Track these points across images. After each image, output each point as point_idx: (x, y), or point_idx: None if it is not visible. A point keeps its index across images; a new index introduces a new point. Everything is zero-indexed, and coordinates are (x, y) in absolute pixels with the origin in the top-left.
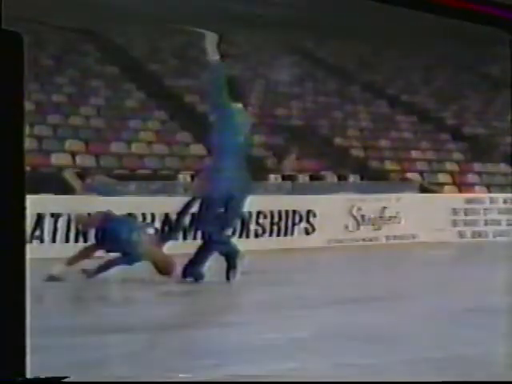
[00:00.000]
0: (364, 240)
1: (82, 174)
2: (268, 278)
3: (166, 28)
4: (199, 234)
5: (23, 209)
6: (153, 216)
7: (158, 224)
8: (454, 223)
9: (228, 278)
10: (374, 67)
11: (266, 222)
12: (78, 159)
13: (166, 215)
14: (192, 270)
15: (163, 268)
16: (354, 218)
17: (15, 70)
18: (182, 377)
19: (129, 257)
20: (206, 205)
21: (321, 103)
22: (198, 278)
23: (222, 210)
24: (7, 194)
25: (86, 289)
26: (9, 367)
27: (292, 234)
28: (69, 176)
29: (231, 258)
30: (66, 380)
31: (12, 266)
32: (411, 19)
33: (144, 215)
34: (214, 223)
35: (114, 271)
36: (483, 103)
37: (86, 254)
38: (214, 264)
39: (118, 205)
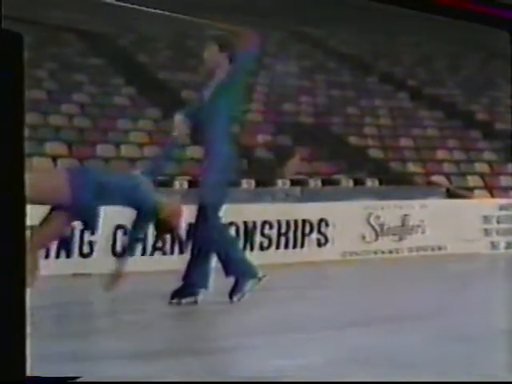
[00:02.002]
0: (383, 252)
1: None
2: (276, 295)
3: (159, 14)
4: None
5: (23, 211)
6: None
7: (150, 238)
8: (486, 233)
9: (231, 298)
10: (394, 56)
11: (273, 233)
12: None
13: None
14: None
15: (170, 222)
16: (372, 227)
17: (15, 70)
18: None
19: (142, 214)
20: (206, 210)
21: (333, 97)
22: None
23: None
24: (6, 195)
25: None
26: (9, 367)
27: (302, 245)
28: None
29: (243, 276)
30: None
31: (12, 266)
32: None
33: None
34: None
35: None
36: None
37: (52, 234)
38: (216, 280)
39: (108, 215)
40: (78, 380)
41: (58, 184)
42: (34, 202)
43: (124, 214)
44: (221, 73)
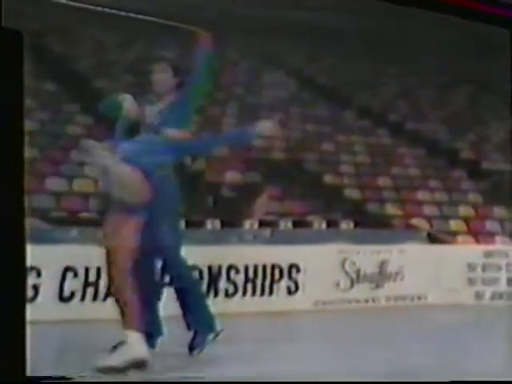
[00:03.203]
0: (359, 301)
1: None
2: (240, 349)
3: (120, 36)
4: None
5: (22, 210)
6: (98, 271)
7: (103, 282)
8: (470, 282)
9: (191, 351)
10: (374, 88)
11: (239, 279)
12: None
13: None
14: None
15: None
16: (347, 273)
17: (15, 69)
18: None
19: None
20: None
21: (308, 132)
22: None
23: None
24: (5, 193)
25: None
26: (9, 367)
27: (271, 293)
28: None
29: (204, 328)
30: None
31: (12, 266)
32: (418, 28)
33: (87, 269)
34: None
35: None
36: (507, 132)
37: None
38: (174, 332)
39: (55, 255)
40: (77, 380)
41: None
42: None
43: (74, 255)
44: (169, 98)
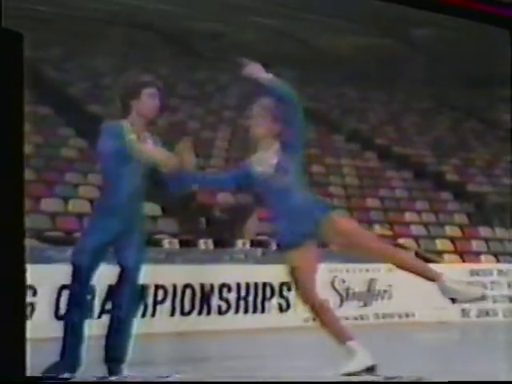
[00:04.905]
0: (348, 319)
1: None
2: (233, 365)
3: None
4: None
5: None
6: (92, 288)
7: (97, 299)
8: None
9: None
10: (361, 113)
11: (232, 297)
12: None
13: (110, 287)
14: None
15: None
16: (337, 291)
17: (15, 70)
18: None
19: None
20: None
21: None
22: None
23: None
24: (5, 195)
25: None
26: (9, 367)
27: (263, 311)
28: None
29: (119, 361)
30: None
31: (12, 266)
32: (405, 56)
33: None
34: None
35: None
36: (491, 156)
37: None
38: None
39: (51, 274)
40: (77, 380)
41: None
42: None
43: (69, 274)
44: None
